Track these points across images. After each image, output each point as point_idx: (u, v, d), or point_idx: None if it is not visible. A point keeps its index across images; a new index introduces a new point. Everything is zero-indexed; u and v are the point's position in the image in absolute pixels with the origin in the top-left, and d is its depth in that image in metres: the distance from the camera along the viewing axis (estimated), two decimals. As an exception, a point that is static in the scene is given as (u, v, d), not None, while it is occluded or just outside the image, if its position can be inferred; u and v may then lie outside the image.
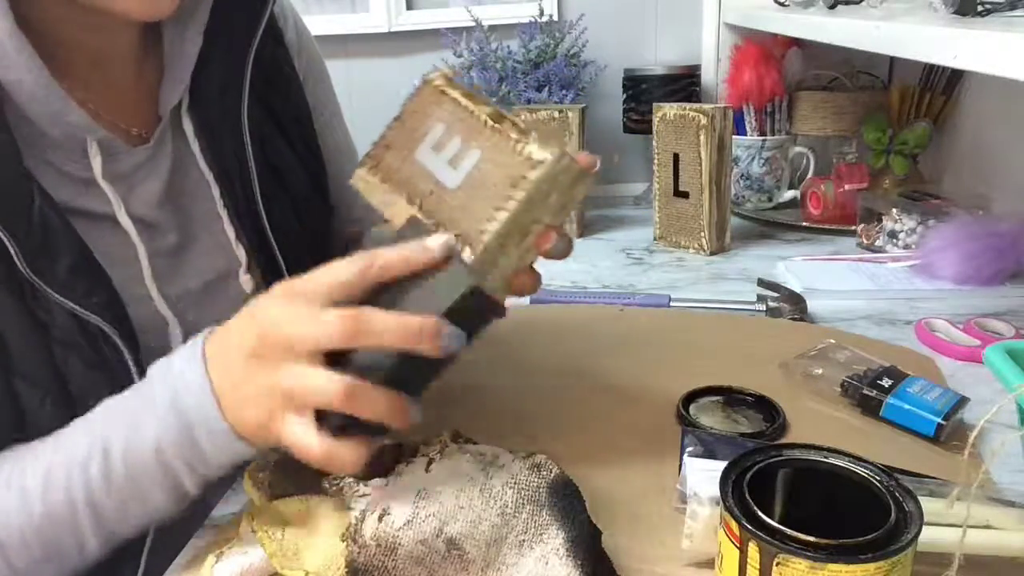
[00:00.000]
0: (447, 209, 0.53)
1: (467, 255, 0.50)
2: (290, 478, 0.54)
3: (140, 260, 0.63)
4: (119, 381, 0.60)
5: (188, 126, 0.68)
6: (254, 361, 0.48)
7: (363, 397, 0.46)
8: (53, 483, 0.52)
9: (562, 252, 0.52)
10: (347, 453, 0.47)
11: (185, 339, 0.63)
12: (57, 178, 0.60)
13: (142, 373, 0.60)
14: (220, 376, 0.50)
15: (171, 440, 0.50)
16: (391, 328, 0.46)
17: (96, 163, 0.61)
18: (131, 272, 0.63)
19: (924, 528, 0.40)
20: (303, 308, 0.47)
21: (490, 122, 0.53)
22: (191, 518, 0.63)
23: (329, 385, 0.46)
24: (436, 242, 0.49)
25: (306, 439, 0.47)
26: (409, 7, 1.51)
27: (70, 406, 0.59)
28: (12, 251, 0.54)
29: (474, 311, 0.50)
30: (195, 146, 0.68)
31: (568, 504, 0.49)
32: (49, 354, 0.58)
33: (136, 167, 0.65)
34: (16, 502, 0.53)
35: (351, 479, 0.52)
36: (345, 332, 0.46)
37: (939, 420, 0.64)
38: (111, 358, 0.60)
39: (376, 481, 0.51)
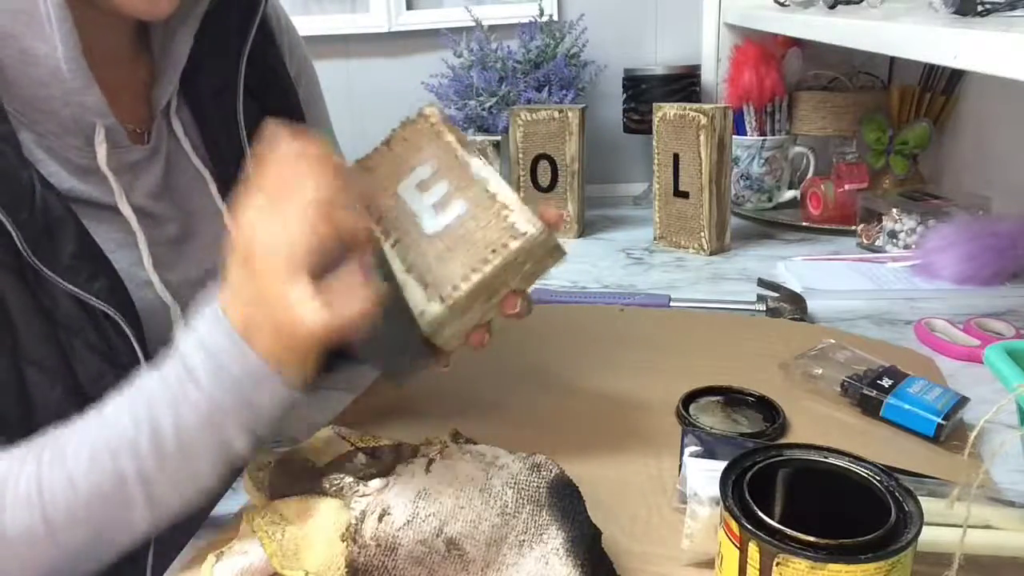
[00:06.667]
0: (420, 254, 0.54)
1: (435, 307, 0.52)
2: (290, 478, 0.54)
3: (140, 248, 0.64)
4: (124, 366, 0.60)
5: (177, 126, 0.69)
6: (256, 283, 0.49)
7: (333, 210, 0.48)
8: (99, 462, 0.52)
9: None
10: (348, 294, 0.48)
11: (187, 324, 0.64)
12: (58, 165, 0.60)
13: (148, 358, 0.61)
14: (245, 327, 0.50)
15: (224, 407, 0.50)
16: None
17: (101, 151, 0.62)
18: (132, 258, 0.63)
19: (924, 528, 0.40)
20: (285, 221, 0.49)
21: (481, 179, 0.55)
22: (191, 518, 0.63)
23: (305, 220, 0.47)
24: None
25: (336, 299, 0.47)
26: (409, 7, 1.52)
27: (79, 392, 0.59)
28: (15, 237, 0.55)
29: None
30: (186, 144, 0.70)
31: (568, 504, 0.49)
32: (56, 341, 0.58)
33: (136, 160, 0.66)
34: (61, 483, 0.53)
35: (351, 479, 0.52)
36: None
37: (939, 420, 0.64)
38: (116, 343, 0.60)
39: (376, 481, 0.51)
